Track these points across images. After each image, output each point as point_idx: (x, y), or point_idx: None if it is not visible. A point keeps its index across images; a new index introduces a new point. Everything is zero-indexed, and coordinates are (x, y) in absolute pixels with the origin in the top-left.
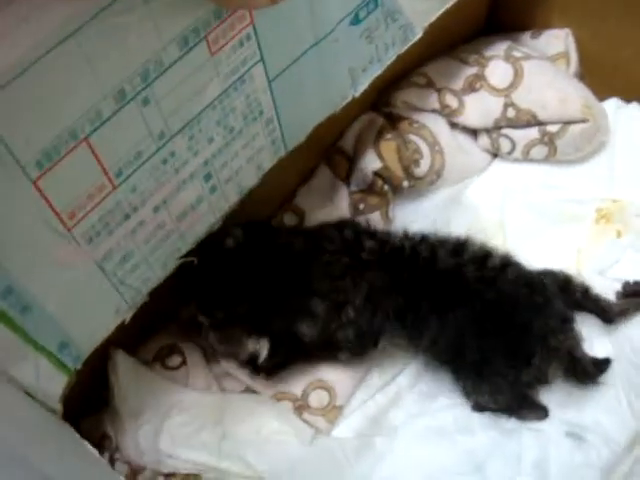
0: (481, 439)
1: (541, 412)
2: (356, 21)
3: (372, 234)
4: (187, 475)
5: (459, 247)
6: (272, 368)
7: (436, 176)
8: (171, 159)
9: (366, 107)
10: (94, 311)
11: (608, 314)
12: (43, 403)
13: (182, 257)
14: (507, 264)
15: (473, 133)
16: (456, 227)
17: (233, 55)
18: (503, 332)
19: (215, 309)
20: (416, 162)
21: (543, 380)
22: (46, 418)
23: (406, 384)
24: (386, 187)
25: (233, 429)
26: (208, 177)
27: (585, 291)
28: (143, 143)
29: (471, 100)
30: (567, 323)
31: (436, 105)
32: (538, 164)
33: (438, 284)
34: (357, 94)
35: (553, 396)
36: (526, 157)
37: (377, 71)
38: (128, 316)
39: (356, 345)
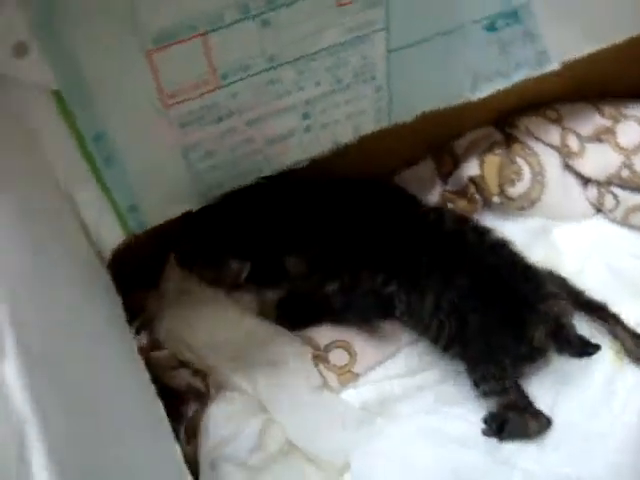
0: (473, 459)
1: (544, 421)
2: (491, 28)
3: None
4: (198, 370)
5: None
6: (297, 320)
7: (528, 203)
8: (276, 84)
9: (484, 124)
10: (167, 189)
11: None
12: (95, 244)
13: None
14: (504, 243)
15: (583, 180)
16: (533, 257)
17: (359, 13)
18: (500, 298)
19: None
20: (512, 182)
21: (537, 350)
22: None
23: (428, 382)
24: (477, 196)
25: (248, 350)
26: (306, 116)
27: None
28: (253, 59)
29: (593, 149)
30: (557, 296)
31: (557, 142)
32: (636, 232)
33: (438, 245)
34: (474, 98)
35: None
36: (626, 221)
37: (501, 85)
38: (195, 207)
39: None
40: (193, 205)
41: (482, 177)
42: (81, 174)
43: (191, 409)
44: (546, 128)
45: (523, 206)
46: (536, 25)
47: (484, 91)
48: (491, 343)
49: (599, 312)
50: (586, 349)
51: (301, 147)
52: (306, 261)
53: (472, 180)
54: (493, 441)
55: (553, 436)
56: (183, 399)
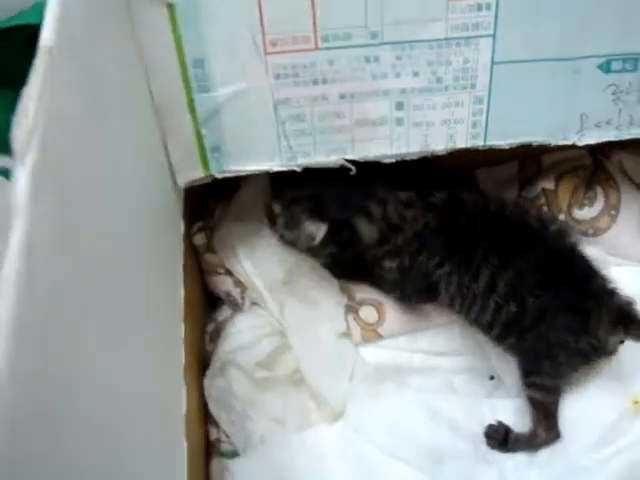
0: (460, 447)
1: (554, 435)
2: (606, 69)
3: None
4: (239, 282)
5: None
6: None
7: (593, 231)
8: (373, 63)
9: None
10: (254, 140)
11: None
12: (172, 174)
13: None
14: (568, 233)
15: None
16: None
17: (468, 13)
18: (562, 285)
19: (286, 191)
20: (582, 205)
21: (601, 346)
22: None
23: (447, 367)
24: (546, 208)
25: (288, 280)
26: (400, 106)
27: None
28: (355, 30)
29: None
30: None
31: None
32: None
33: (499, 228)
34: (580, 143)
35: None
36: None
37: (611, 137)
38: (278, 168)
39: (399, 279)
40: (277, 165)
41: (554, 192)
42: (176, 97)
43: (223, 315)
44: (637, 166)
45: (587, 232)
46: None
47: (591, 139)
48: (550, 333)
49: None
50: None
51: (390, 140)
52: (377, 229)
53: (545, 192)
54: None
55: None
56: (219, 304)
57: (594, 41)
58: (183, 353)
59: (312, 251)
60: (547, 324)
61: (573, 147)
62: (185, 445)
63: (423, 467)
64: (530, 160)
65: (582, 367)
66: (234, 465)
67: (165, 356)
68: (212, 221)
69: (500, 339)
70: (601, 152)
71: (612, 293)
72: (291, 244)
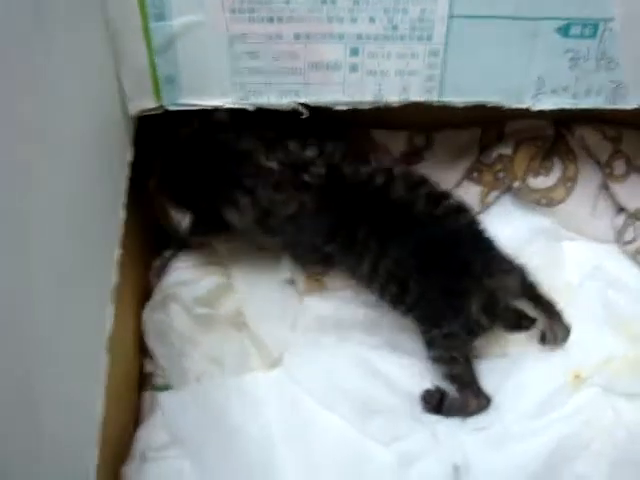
0: (392, 402)
1: (484, 402)
2: (564, 33)
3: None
4: None
5: (418, 183)
6: None
7: (547, 201)
8: (330, 4)
9: (544, 118)
10: (208, 74)
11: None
12: (123, 101)
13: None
14: (463, 210)
15: (614, 206)
16: (531, 256)
17: None
18: (442, 267)
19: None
20: (536, 174)
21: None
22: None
23: (389, 325)
24: (502, 174)
25: None
26: (354, 52)
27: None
28: None
29: (635, 180)
30: (507, 273)
31: (603, 159)
32: None
33: (380, 209)
34: (534, 108)
35: None
36: (635, 257)
37: (567, 104)
38: (228, 106)
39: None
40: (229, 103)
41: (511, 159)
42: (131, 22)
43: (170, 252)
44: (599, 143)
45: (540, 201)
46: (616, 49)
47: (546, 104)
48: (432, 311)
49: (546, 306)
50: (520, 322)
51: (343, 86)
52: (251, 215)
53: (501, 158)
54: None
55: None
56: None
57: (554, 2)
58: (115, 275)
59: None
60: (427, 303)
61: (537, 117)
62: (106, 360)
63: (353, 420)
64: (492, 127)
65: (471, 339)
66: (164, 397)
67: (94, 274)
68: None
69: (393, 307)
70: (564, 126)
71: (492, 274)
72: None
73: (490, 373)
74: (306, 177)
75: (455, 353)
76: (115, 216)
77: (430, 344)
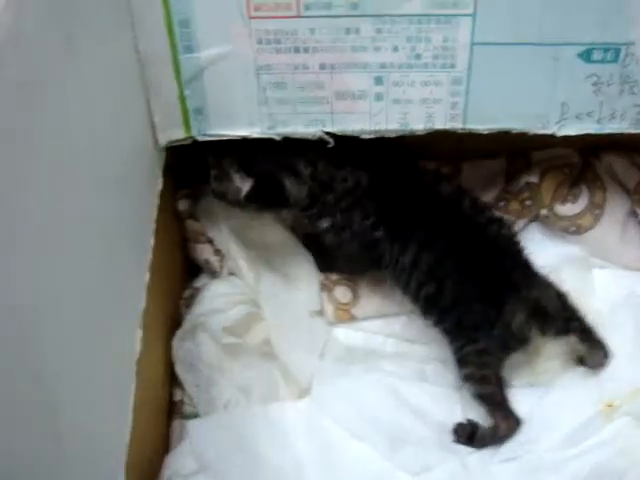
0: (423, 434)
1: (514, 423)
2: (587, 58)
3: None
4: (219, 250)
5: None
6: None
7: (574, 228)
8: (353, 35)
9: (570, 147)
10: (236, 105)
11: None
12: (154, 132)
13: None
14: (505, 224)
15: None
16: (561, 285)
17: None
18: (482, 273)
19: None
20: (564, 201)
21: (516, 336)
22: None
23: (419, 355)
24: (529, 202)
25: (267, 253)
26: (379, 81)
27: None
28: (337, 0)
29: None
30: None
31: (631, 186)
32: None
33: (430, 201)
34: (559, 134)
35: None
36: None
37: (591, 130)
38: (256, 135)
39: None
40: (257, 132)
41: (538, 186)
42: (161, 55)
43: (200, 282)
44: (627, 170)
45: (569, 228)
46: (638, 73)
47: (571, 130)
48: (466, 321)
49: (586, 330)
50: (569, 325)
51: (369, 115)
52: (306, 189)
53: (529, 186)
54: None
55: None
56: (199, 273)
57: (575, 28)
58: (144, 300)
59: (241, 205)
60: (463, 308)
61: (563, 145)
62: (133, 386)
63: (382, 450)
64: (519, 156)
65: (504, 356)
66: (192, 424)
67: (124, 298)
68: (198, 189)
69: (425, 314)
70: (591, 153)
71: (532, 286)
72: (220, 197)
73: (521, 402)
74: (365, 161)
75: (487, 371)
76: (145, 242)
77: (462, 362)
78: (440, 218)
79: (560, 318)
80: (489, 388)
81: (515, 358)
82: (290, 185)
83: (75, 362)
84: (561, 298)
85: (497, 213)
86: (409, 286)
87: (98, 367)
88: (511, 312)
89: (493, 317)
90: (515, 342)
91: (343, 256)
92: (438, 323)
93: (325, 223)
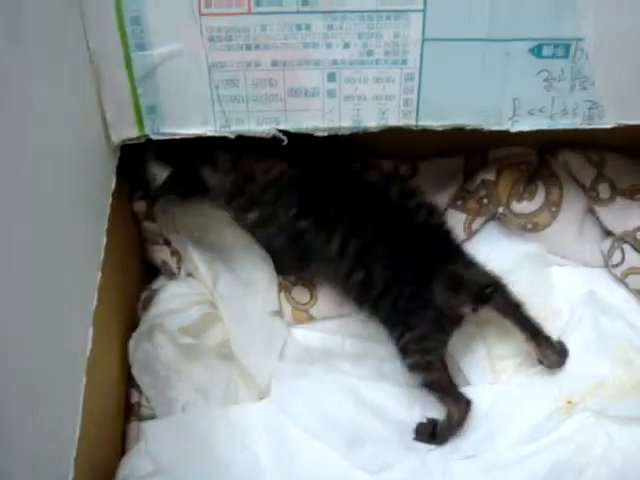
0: (383, 432)
1: (464, 405)
2: (537, 53)
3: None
4: (176, 252)
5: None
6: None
7: (532, 226)
8: (305, 30)
9: (527, 145)
10: (189, 104)
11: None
12: (106, 130)
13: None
14: (435, 210)
15: (601, 230)
16: (519, 283)
17: None
18: (410, 256)
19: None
20: (521, 198)
21: (448, 315)
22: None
23: (376, 354)
24: (486, 200)
25: (224, 254)
26: (332, 77)
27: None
28: None
29: (621, 203)
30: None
31: (587, 184)
32: (630, 293)
33: (354, 189)
34: (513, 130)
35: None
36: (624, 279)
37: (544, 126)
38: (212, 134)
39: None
40: (211, 131)
41: (494, 184)
42: (113, 52)
43: (158, 284)
44: (583, 167)
45: (526, 226)
46: (589, 69)
47: (524, 125)
48: (397, 303)
49: (533, 330)
50: (484, 291)
51: (322, 112)
52: (229, 180)
53: (485, 184)
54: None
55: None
56: (156, 274)
57: (525, 23)
58: (95, 298)
59: (163, 195)
60: (394, 293)
61: (520, 144)
62: (83, 384)
63: (341, 449)
64: (476, 155)
65: (443, 339)
66: (147, 426)
67: (74, 296)
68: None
69: (360, 304)
70: (548, 151)
71: (455, 262)
72: (146, 187)
73: (481, 400)
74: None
75: (430, 357)
76: (97, 242)
77: (404, 352)
78: (366, 205)
79: (476, 284)
80: (435, 374)
81: (474, 356)
82: (208, 175)
83: (23, 358)
84: (487, 274)
85: (451, 210)
86: (337, 276)
87: (46, 364)
88: (436, 290)
89: (424, 299)
90: (449, 322)
91: (276, 252)
92: (373, 314)
93: (252, 216)
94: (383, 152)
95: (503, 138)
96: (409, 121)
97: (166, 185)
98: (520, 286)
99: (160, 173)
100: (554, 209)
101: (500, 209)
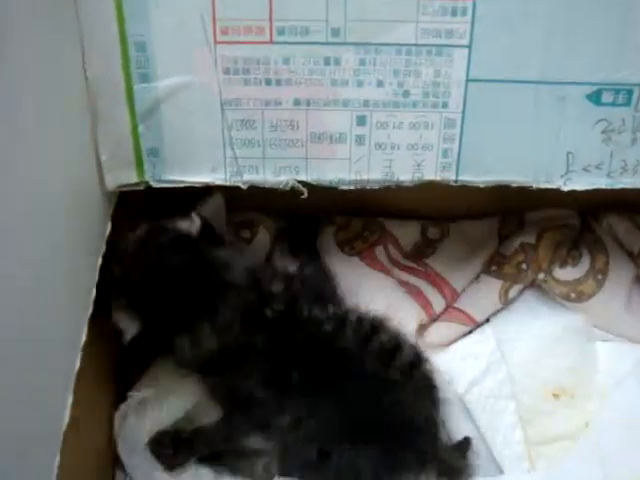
0: None
1: None
2: (595, 100)
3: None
4: None
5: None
6: None
7: (575, 295)
8: (333, 65)
9: (567, 207)
10: (195, 144)
11: None
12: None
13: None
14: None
15: None
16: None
17: (440, 16)
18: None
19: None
20: (563, 264)
21: None
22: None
23: None
24: (524, 266)
25: None
26: (362, 120)
27: None
28: (315, 25)
29: None
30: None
31: (636, 250)
32: None
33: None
34: (565, 188)
35: None
36: None
37: (601, 185)
38: (219, 183)
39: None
40: (220, 180)
41: (535, 247)
42: (113, 82)
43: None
44: (629, 232)
45: (569, 295)
46: None
47: (578, 184)
48: None
49: None
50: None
51: (349, 161)
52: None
53: (524, 247)
54: None
55: None
56: None
57: (583, 64)
58: (78, 360)
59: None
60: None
61: (559, 206)
62: (57, 460)
63: None
64: (512, 217)
65: None
66: None
67: (56, 354)
68: None
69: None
70: (590, 214)
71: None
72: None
73: None
74: (268, 312)
75: None
76: (87, 296)
77: None
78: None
79: None
80: None
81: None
82: (183, 345)
83: None
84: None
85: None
86: None
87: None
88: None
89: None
90: None
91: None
92: None
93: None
94: (406, 210)
95: (539, 198)
96: (448, 175)
97: (135, 341)
98: (562, 361)
99: (130, 325)
100: (600, 277)
101: (541, 275)
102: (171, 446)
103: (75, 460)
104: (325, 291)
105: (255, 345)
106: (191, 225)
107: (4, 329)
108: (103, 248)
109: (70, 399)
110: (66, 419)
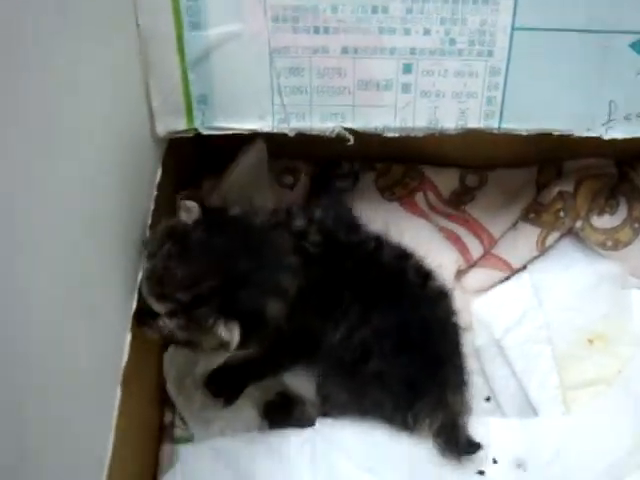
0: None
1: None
2: (639, 48)
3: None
4: None
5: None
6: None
7: (612, 243)
8: (381, 14)
9: (604, 156)
10: (244, 94)
11: None
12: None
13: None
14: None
15: None
16: (595, 304)
17: None
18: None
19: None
20: (601, 212)
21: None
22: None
23: None
24: (562, 214)
25: None
26: (408, 68)
27: None
28: None
29: None
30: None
31: None
32: None
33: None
34: (606, 137)
35: None
36: None
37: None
38: (266, 129)
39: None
40: (267, 127)
41: (573, 196)
42: (164, 30)
43: None
44: None
45: (605, 243)
46: None
47: (619, 132)
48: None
49: None
50: (469, 449)
51: (395, 108)
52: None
53: (562, 195)
54: None
55: None
56: None
57: (627, 14)
58: (134, 301)
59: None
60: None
61: (597, 155)
62: (119, 394)
63: None
64: (550, 166)
65: None
66: (183, 451)
67: (112, 298)
68: (199, 193)
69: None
70: (627, 163)
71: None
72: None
73: (552, 434)
74: (306, 244)
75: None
76: (139, 226)
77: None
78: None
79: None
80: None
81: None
82: (274, 306)
83: (52, 365)
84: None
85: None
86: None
87: (79, 374)
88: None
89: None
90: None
91: None
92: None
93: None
94: (445, 158)
95: (576, 148)
96: (491, 123)
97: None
98: (596, 307)
99: (233, 333)
100: (637, 225)
101: (578, 223)
102: (225, 380)
103: (132, 392)
104: (350, 219)
105: (307, 278)
106: (189, 214)
107: (65, 267)
108: (154, 193)
109: (128, 337)
110: (125, 356)
